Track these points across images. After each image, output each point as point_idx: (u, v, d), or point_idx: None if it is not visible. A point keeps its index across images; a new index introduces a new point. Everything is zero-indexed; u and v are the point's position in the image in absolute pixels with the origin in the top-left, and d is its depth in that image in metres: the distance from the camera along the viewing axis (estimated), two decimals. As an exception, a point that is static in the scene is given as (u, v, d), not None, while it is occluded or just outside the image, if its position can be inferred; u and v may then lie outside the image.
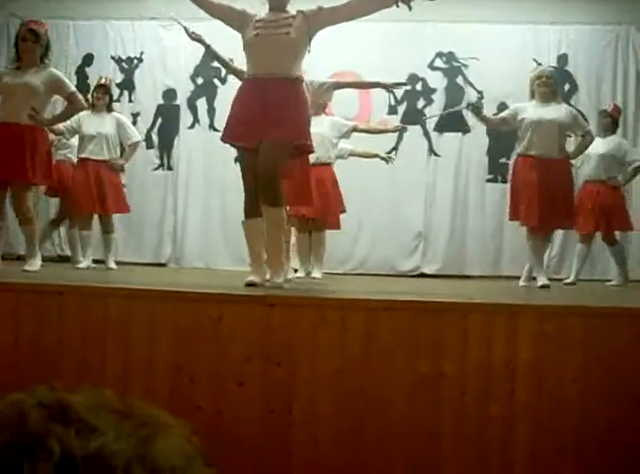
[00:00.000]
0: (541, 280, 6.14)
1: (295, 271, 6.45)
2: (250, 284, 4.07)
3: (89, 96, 7.11)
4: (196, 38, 5.47)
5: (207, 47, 5.70)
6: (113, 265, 6.97)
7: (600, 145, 7.22)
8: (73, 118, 6.67)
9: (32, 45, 5.45)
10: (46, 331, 3.47)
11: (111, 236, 7.12)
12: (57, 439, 0.57)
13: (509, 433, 3.21)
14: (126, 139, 7.04)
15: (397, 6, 4.33)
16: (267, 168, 4.19)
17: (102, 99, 7.00)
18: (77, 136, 7.09)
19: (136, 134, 7.17)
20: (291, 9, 4.48)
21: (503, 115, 6.59)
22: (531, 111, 6.27)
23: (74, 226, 7.50)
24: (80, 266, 6.77)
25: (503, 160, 8.98)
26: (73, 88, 5.73)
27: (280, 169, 4.31)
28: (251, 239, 4.41)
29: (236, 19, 4.43)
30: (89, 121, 6.87)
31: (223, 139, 4.49)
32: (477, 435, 3.20)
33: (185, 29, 5.48)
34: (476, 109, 6.81)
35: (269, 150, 4.19)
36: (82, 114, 6.63)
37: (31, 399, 0.61)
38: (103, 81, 7.31)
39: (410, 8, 4.32)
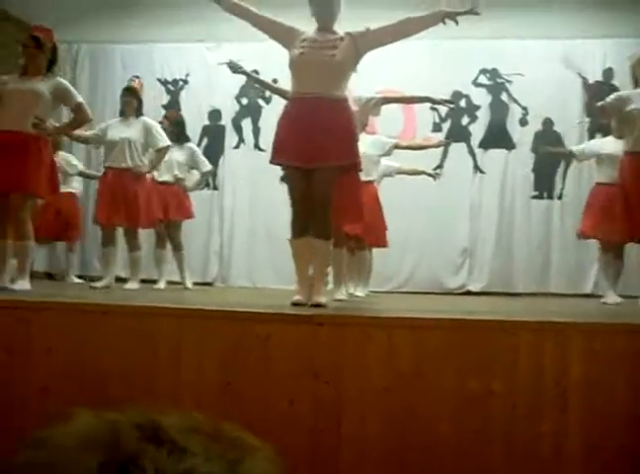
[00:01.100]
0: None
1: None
2: (296, 304, 4.09)
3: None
4: (237, 70, 5.52)
5: (248, 76, 5.80)
6: (135, 285, 6.53)
7: None
8: (100, 126, 6.63)
9: (33, 52, 5.23)
10: (96, 351, 3.52)
11: (134, 254, 6.65)
12: (150, 459, 0.58)
13: (559, 451, 3.17)
14: (153, 145, 6.65)
15: (444, 23, 4.35)
16: (320, 201, 4.24)
17: (130, 104, 6.68)
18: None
19: (165, 139, 6.72)
20: (339, 28, 4.49)
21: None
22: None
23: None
24: (95, 284, 6.35)
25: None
26: (80, 99, 5.48)
27: (332, 198, 4.33)
28: (298, 258, 4.42)
29: (284, 35, 4.45)
30: (115, 128, 6.60)
31: (272, 161, 4.47)
32: (527, 454, 3.17)
33: (228, 64, 5.54)
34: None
35: (321, 181, 4.23)
36: (111, 121, 6.68)
37: (124, 419, 0.64)
38: (131, 84, 7.21)
39: (457, 23, 4.33)
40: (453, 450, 3.20)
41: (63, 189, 6.81)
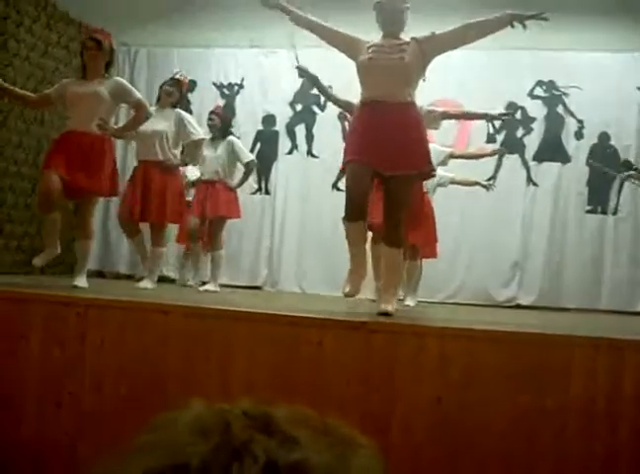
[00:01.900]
0: None
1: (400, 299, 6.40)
2: (347, 296, 4.06)
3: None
4: (304, 74, 5.56)
5: (315, 82, 5.82)
6: (149, 284, 6.05)
7: None
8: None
9: (95, 54, 5.33)
10: (149, 349, 3.56)
11: (156, 250, 6.29)
12: (262, 447, 0.60)
13: (610, 471, 3.13)
14: (185, 137, 6.38)
15: (512, 26, 4.30)
16: (397, 208, 4.22)
17: (171, 95, 6.44)
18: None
19: (198, 131, 6.46)
20: (405, 37, 4.50)
21: None
22: None
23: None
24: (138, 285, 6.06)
25: None
26: (139, 95, 5.56)
27: (408, 205, 4.32)
28: (352, 243, 4.27)
29: (349, 46, 4.46)
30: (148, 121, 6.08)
31: (345, 162, 4.32)
32: (578, 471, 3.13)
33: (297, 68, 5.60)
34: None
35: (399, 189, 4.21)
36: None
37: (235, 409, 0.66)
38: (178, 76, 6.83)
39: (525, 27, 4.28)
40: (501, 464, 3.17)
41: None
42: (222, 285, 8.09)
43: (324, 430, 0.65)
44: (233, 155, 7.22)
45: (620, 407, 3.12)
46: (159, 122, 6.14)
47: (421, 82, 4.52)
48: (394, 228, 4.27)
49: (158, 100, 6.50)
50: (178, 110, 6.48)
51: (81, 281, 5.21)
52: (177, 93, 6.52)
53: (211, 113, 7.58)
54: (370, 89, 4.33)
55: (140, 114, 5.55)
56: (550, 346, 3.20)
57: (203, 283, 7.19)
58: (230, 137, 7.33)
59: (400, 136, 4.18)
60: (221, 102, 9.83)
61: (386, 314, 3.99)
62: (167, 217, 6.25)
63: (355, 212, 4.19)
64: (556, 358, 3.15)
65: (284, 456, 0.59)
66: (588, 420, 3.14)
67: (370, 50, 4.36)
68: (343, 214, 4.30)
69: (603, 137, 8.98)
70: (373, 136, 4.20)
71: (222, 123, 7.36)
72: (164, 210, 6.15)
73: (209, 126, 7.19)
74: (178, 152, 6.38)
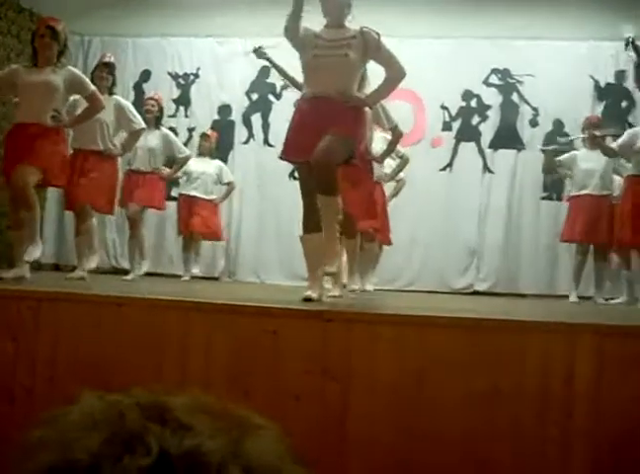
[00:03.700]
0: None
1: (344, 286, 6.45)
2: (307, 300, 4.08)
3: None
4: (262, 56, 5.54)
5: (273, 64, 5.82)
6: (81, 273, 5.83)
7: None
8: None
9: (49, 42, 5.17)
10: (104, 342, 3.52)
11: (81, 238, 6.10)
12: (155, 437, 0.59)
13: (566, 453, 3.16)
14: (126, 126, 6.35)
15: None
16: (324, 156, 4.16)
17: (105, 80, 6.24)
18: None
19: (139, 120, 6.40)
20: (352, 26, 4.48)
21: None
22: None
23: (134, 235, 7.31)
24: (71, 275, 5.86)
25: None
26: (93, 87, 5.44)
27: (337, 162, 4.29)
28: (309, 254, 4.41)
29: (299, 40, 4.41)
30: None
31: (282, 157, 4.49)
32: (533, 457, 3.16)
33: (254, 51, 5.58)
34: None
35: (327, 141, 4.17)
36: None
37: (128, 399, 0.65)
38: (107, 59, 6.70)
39: None
40: (460, 449, 3.19)
41: None
42: (179, 276, 8.07)
43: (220, 415, 0.64)
44: (167, 147, 7.23)
45: (575, 391, 3.15)
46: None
47: (379, 73, 4.52)
48: (325, 176, 4.20)
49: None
50: (116, 96, 6.40)
51: (34, 253, 5.03)
52: (110, 77, 6.35)
53: (151, 98, 7.52)
54: (314, 85, 4.35)
55: (94, 106, 5.43)
56: (505, 331, 3.22)
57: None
58: (164, 129, 7.33)
59: (334, 121, 4.19)
60: (177, 92, 9.77)
61: (330, 274, 4.05)
62: (103, 208, 6.19)
63: (307, 223, 4.34)
64: (511, 344, 3.17)
65: (178, 444, 0.59)
66: (543, 404, 3.16)
67: (315, 44, 4.33)
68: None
69: (558, 125, 9.08)
70: (307, 130, 4.24)
71: (160, 112, 7.37)
72: (102, 199, 6.06)
73: (146, 113, 7.06)
74: (117, 141, 6.28)
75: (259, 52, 5.57)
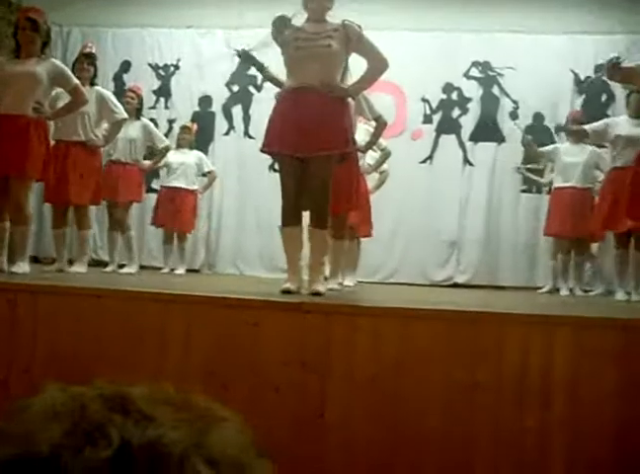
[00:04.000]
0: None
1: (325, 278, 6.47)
2: (286, 292, 4.08)
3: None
4: (248, 60, 5.51)
5: (260, 68, 5.77)
6: (81, 268, 6.05)
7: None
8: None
9: (31, 34, 5.12)
10: (82, 334, 3.50)
11: (82, 233, 6.28)
12: (116, 428, 0.59)
13: (544, 444, 3.18)
14: (109, 117, 6.31)
15: None
16: (319, 190, 4.25)
17: (87, 71, 6.19)
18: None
19: (121, 111, 6.35)
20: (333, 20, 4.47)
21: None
22: None
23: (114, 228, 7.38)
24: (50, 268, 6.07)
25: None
26: (77, 81, 5.39)
27: (330, 186, 4.34)
28: (289, 247, 4.42)
29: (284, 35, 4.41)
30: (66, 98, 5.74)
31: (264, 150, 4.47)
32: (512, 447, 3.18)
33: (238, 54, 5.55)
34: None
35: (318, 171, 4.23)
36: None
37: (91, 391, 0.64)
38: (88, 50, 6.74)
39: None
40: (439, 440, 3.21)
41: None
42: (159, 268, 8.05)
43: (183, 406, 0.65)
44: (147, 138, 7.22)
45: (553, 382, 3.17)
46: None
47: (358, 65, 4.51)
48: (320, 210, 4.32)
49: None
50: (98, 87, 6.34)
51: (22, 267, 5.03)
52: (92, 68, 6.30)
53: (130, 90, 7.50)
54: (297, 77, 4.33)
55: (77, 99, 5.39)
56: (484, 323, 3.24)
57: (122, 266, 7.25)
58: (144, 119, 7.31)
59: (320, 121, 4.21)
60: (157, 83, 9.72)
61: (318, 294, 4.06)
62: (91, 200, 6.18)
63: (287, 216, 4.34)
64: (489, 336, 3.19)
65: (139, 435, 0.59)
66: (521, 395, 3.18)
67: (297, 37, 4.34)
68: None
69: (538, 118, 9.11)
70: (296, 121, 4.23)
71: (140, 104, 7.36)
72: (88, 192, 6.04)
73: (126, 104, 6.99)
74: (99, 132, 6.24)
75: (244, 56, 5.52)
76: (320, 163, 4.27)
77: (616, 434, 3.14)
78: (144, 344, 3.39)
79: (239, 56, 5.60)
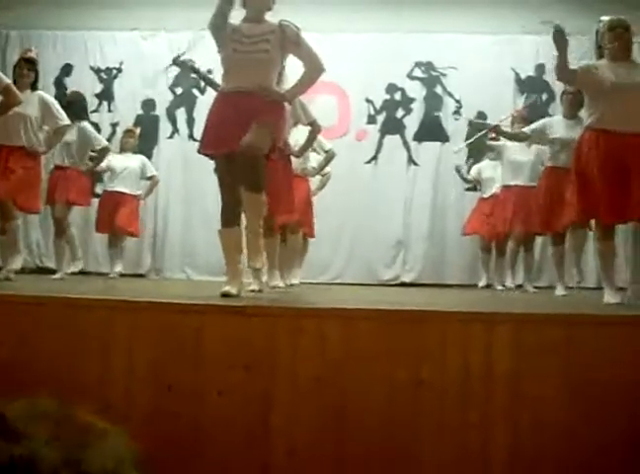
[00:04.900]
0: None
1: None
2: (225, 295, 4.07)
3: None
4: (186, 69, 5.48)
5: (199, 75, 5.76)
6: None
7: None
8: None
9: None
10: (23, 343, 3.46)
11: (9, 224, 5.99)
12: None
13: (487, 439, 3.23)
14: (51, 122, 6.20)
15: None
16: (250, 151, 4.18)
17: (27, 77, 6.13)
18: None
19: (64, 116, 6.25)
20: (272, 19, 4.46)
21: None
22: None
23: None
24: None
25: None
26: (7, 81, 5.33)
27: (262, 164, 4.31)
28: (228, 248, 4.40)
29: (220, 34, 4.37)
30: None
31: (200, 151, 4.46)
32: (455, 444, 3.22)
33: (176, 63, 5.50)
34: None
35: (253, 134, 4.17)
36: None
37: None
38: (29, 55, 6.62)
39: None
40: (384, 438, 3.23)
41: None
42: (105, 274, 7.97)
43: (63, 421, 0.65)
44: (85, 140, 7.17)
45: (495, 379, 3.22)
46: (21, 106, 5.76)
47: (293, 64, 4.52)
48: (252, 172, 4.25)
49: (14, 81, 5.96)
50: (40, 92, 6.26)
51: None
52: (32, 73, 6.19)
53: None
54: (233, 80, 4.33)
55: (9, 100, 5.31)
56: (425, 322, 3.27)
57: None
58: (82, 122, 7.24)
59: (250, 119, 4.19)
60: (99, 86, 9.63)
61: (256, 269, 4.08)
62: (33, 207, 6.07)
63: (225, 217, 4.35)
64: (431, 334, 3.22)
65: (8, 452, 0.59)
66: (464, 390, 3.22)
67: (234, 39, 4.32)
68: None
69: (481, 117, 9.21)
70: (231, 123, 4.22)
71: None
72: (24, 197, 5.91)
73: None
74: (41, 137, 6.14)
75: (179, 63, 5.49)
76: (257, 133, 4.19)
77: (559, 429, 3.20)
78: (87, 351, 3.36)
79: (177, 65, 5.55)
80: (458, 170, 8.83)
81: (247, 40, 4.31)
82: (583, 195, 4.68)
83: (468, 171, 8.87)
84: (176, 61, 5.56)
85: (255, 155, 4.20)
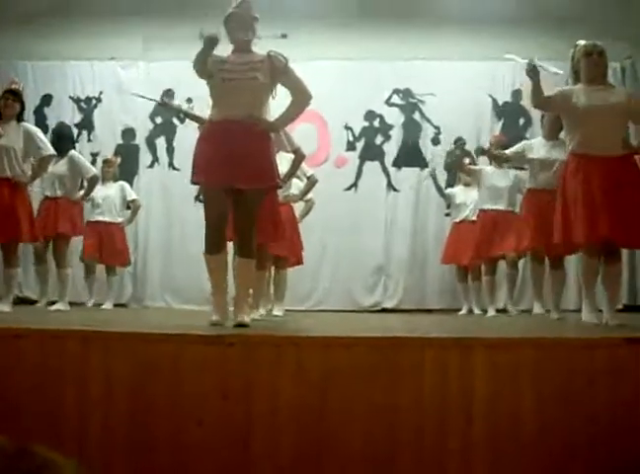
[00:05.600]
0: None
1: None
2: (215, 324, 4.09)
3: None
4: (167, 108, 5.52)
5: (179, 111, 5.80)
6: (5, 307, 5.91)
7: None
8: None
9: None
10: (2, 374, 3.45)
11: (9, 271, 6.09)
12: None
13: (467, 464, 3.24)
14: (35, 153, 6.25)
15: None
16: (247, 222, 4.29)
17: (12, 107, 6.19)
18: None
19: (48, 146, 6.30)
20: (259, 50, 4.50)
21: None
22: None
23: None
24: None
25: None
26: None
27: (257, 217, 4.39)
28: (214, 275, 4.40)
29: (207, 70, 4.37)
30: None
31: (194, 181, 4.43)
32: (435, 466, 3.23)
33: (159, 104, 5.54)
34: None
35: (248, 203, 4.28)
36: None
37: None
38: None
39: None
40: (364, 464, 3.24)
41: None
42: (79, 304, 7.94)
43: (17, 456, 0.65)
44: (75, 170, 7.20)
45: (472, 403, 3.23)
46: (6, 137, 5.89)
47: (281, 95, 4.54)
48: (248, 240, 4.36)
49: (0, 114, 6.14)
50: (25, 123, 6.32)
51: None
52: (17, 104, 6.22)
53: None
54: (223, 109, 4.33)
55: None
56: (403, 347, 3.29)
57: (52, 303, 7.16)
58: (71, 152, 7.28)
59: (247, 154, 4.25)
60: (79, 116, 9.64)
61: (243, 325, 4.07)
62: (22, 237, 6.04)
63: (210, 243, 4.34)
64: (409, 359, 3.24)
65: None
66: (442, 415, 3.24)
67: (223, 68, 4.34)
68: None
69: (459, 143, 9.26)
70: (223, 153, 4.24)
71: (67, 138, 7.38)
72: (18, 230, 5.93)
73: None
74: (27, 168, 6.17)
75: (165, 105, 5.54)
76: (252, 195, 4.31)
77: (536, 451, 3.21)
78: (64, 381, 3.35)
79: (163, 107, 5.60)
80: (433, 176, 8.91)
81: (237, 68, 4.33)
82: (567, 218, 4.76)
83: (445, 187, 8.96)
84: (161, 104, 5.59)
85: (250, 228, 4.31)
